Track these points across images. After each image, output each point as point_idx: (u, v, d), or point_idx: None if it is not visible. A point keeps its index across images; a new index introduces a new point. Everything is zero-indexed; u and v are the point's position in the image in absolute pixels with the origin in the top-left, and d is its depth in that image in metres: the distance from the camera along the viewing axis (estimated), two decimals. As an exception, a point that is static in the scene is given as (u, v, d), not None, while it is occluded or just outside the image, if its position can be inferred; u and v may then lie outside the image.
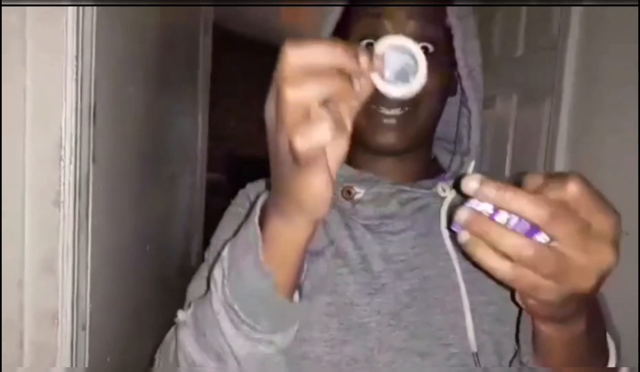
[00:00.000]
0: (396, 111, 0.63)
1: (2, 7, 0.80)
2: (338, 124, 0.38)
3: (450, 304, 0.62)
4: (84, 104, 0.89)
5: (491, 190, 0.38)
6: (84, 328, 0.94)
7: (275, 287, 0.48)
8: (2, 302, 0.85)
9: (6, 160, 0.83)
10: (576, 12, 1.35)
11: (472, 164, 0.69)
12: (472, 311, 0.61)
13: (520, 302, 0.44)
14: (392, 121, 0.63)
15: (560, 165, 1.39)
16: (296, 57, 0.37)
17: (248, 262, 0.48)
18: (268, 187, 0.73)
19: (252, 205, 0.52)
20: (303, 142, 0.37)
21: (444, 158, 0.77)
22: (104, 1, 0.95)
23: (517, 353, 0.57)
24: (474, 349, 0.59)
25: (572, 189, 0.37)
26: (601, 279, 0.38)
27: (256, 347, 0.50)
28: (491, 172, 1.77)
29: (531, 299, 0.41)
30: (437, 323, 0.61)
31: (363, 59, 0.39)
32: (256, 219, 0.48)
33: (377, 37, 0.64)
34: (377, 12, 0.63)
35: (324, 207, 0.44)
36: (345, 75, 0.38)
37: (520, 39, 1.68)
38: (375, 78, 0.40)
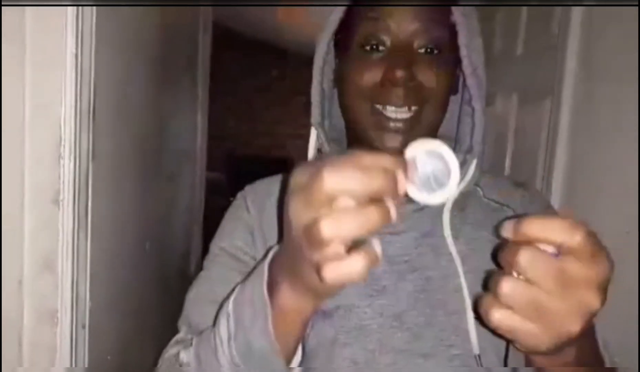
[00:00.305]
0: (403, 112, 0.62)
1: (2, 7, 0.80)
2: (369, 254, 0.38)
3: (453, 305, 0.61)
4: (84, 102, 0.89)
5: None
6: (83, 327, 0.93)
7: (280, 352, 0.48)
8: (2, 301, 0.84)
9: (5, 158, 0.83)
10: (577, 10, 1.34)
11: (475, 162, 0.68)
12: (475, 312, 0.59)
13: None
14: (399, 125, 0.62)
15: (560, 164, 1.39)
16: (333, 183, 0.36)
17: (257, 330, 0.48)
18: (266, 188, 0.73)
19: (266, 253, 0.51)
20: (332, 274, 0.37)
21: None
22: (103, 1, 0.95)
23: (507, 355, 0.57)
24: (477, 351, 0.59)
25: (578, 239, 0.36)
26: (586, 321, 0.37)
27: None
28: (492, 170, 1.77)
29: (521, 346, 0.40)
30: (440, 324, 0.60)
31: (400, 179, 0.38)
32: (264, 284, 0.47)
33: (380, 38, 0.62)
34: (382, 13, 0.62)
35: (337, 292, 0.45)
36: (381, 200, 0.37)
37: (520, 38, 1.68)
38: (408, 185, 0.40)
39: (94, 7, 0.90)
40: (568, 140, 1.38)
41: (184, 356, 0.57)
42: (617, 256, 0.38)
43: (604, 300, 0.37)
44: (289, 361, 0.52)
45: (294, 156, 5.42)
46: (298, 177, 0.39)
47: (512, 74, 1.71)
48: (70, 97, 0.86)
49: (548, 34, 1.48)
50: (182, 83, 1.93)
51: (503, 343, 0.60)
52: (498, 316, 0.37)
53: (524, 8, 1.67)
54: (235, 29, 5.17)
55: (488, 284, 0.38)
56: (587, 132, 1.31)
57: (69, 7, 0.84)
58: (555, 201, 1.39)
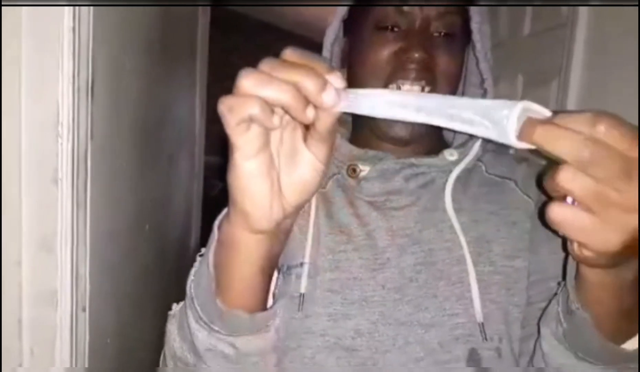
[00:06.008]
0: (417, 89, 0.62)
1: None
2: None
3: (456, 276, 0.62)
4: (82, 81, 0.87)
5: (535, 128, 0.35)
6: (84, 310, 0.92)
7: (221, 298, 0.49)
8: (0, 282, 0.83)
9: (2, 137, 0.81)
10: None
11: (480, 139, 0.69)
12: (479, 281, 0.61)
13: (573, 254, 0.39)
14: None
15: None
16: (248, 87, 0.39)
17: (204, 265, 0.50)
18: None
19: None
20: (231, 116, 0.39)
21: (447, 136, 0.78)
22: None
23: (538, 339, 0.55)
24: (480, 319, 0.59)
25: (601, 129, 0.33)
26: None
27: (216, 346, 0.51)
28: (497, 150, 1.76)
29: (585, 250, 0.37)
30: (443, 294, 0.61)
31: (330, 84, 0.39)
32: (216, 223, 0.50)
33: (396, 20, 0.63)
34: None
35: (262, 221, 0.44)
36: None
37: (527, 18, 1.66)
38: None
39: (92, -19, 0.87)
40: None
41: (174, 308, 0.59)
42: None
43: None
44: (238, 307, 0.50)
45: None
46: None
47: (518, 55, 1.69)
48: (68, 75, 0.83)
49: (557, 13, 1.45)
50: (181, 65, 1.91)
51: (510, 311, 0.60)
52: (557, 208, 0.35)
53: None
54: (235, 10, 5.10)
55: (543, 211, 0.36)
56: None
57: (65, -20, 0.81)
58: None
